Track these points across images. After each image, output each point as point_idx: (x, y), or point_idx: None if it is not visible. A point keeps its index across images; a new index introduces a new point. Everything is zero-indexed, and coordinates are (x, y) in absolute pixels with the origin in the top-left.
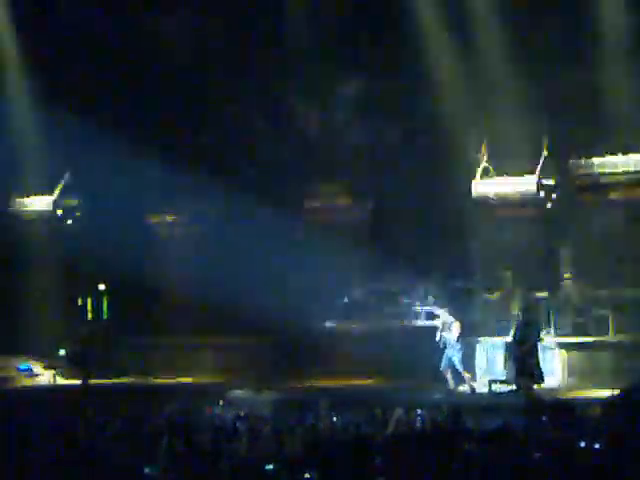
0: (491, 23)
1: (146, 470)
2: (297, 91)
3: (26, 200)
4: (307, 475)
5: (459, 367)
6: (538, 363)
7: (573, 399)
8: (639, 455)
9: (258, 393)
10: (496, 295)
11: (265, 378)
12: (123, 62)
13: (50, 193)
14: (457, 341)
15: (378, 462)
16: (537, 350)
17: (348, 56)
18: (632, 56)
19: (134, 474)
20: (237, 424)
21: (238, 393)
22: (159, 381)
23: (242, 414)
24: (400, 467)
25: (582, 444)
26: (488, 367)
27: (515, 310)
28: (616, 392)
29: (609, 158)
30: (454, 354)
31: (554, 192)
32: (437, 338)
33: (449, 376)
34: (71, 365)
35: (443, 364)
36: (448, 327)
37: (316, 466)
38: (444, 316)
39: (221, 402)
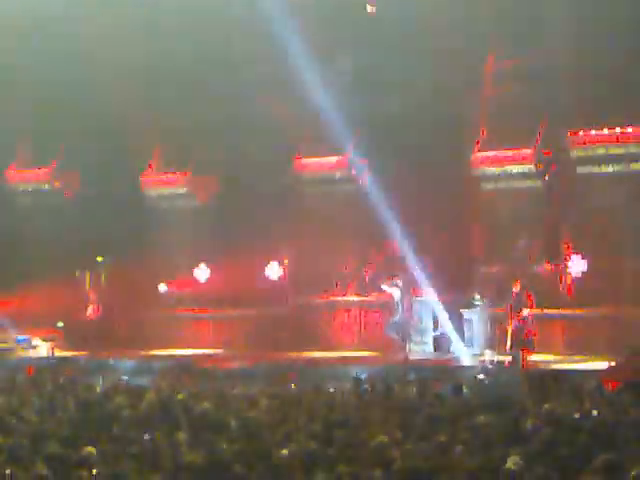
0: None
1: (145, 437)
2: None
3: (24, 172)
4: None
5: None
6: (529, 333)
7: (569, 370)
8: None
9: (256, 365)
10: (495, 267)
11: (264, 350)
12: None
13: (48, 165)
14: (396, 307)
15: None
16: (528, 320)
17: (348, 26)
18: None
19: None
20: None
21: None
22: (153, 353)
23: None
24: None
25: (577, 415)
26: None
27: (513, 282)
28: (612, 364)
29: (608, 130)
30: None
31: (553, 165)
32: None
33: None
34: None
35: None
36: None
37: (316, 436)
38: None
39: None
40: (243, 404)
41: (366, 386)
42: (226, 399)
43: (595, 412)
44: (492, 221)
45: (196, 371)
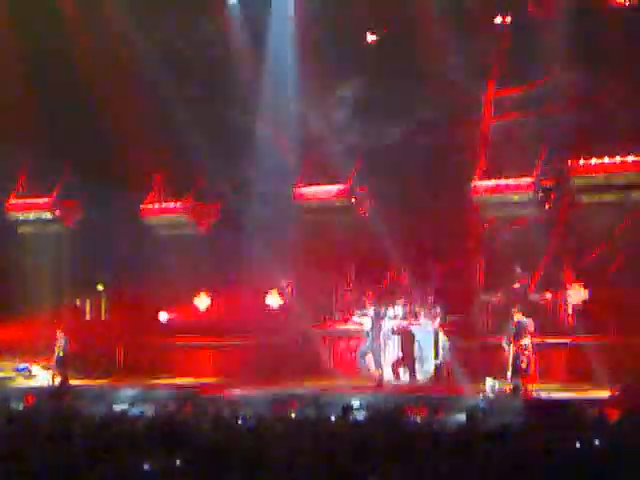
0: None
1: (145, 467)
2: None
3: (24, 201)
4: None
5: (363, 360)
6: (528, 362)
7: (571, 399)
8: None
9: (257, 391)
10: (496, 295)
11: (264, 378)
12: None
13: (49, 194)
14: (368, 335)
15: (377, 462)
16: (528, 349)
17: (348, 55)
18: (628, 54)
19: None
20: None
21: (237, 392)
22: (158, 381)
23: (242, 413)
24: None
25: (578, 445)
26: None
27: (513, 310)
28: (614, 393)
29: (608, 159)
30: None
31: (553, 193)
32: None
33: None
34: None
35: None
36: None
37: (319, 465)
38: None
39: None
40: (246, 434)
41: (363, 414)
42: (228, 428)
43: (597, 442)
44: (492, 249)
45: (197, 400)
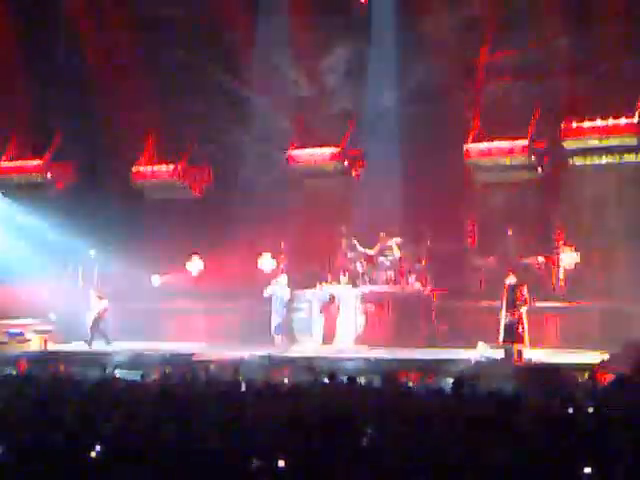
0: None
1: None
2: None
3: (16, 163)
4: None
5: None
6: (519, 326)
7: (562, 364)
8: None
9: (254, 356)
10: (488, 259)
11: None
12: None
13: (41, 156)
14: (284, 305)
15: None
16: (523, 314)
17: (340, 21)
18: (622, 17)
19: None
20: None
21: (229, 356)
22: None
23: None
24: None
25: (570, 410)
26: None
27: (506, 274)
28: (605, 357)
29: (601, 122)
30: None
31: (546, 156)
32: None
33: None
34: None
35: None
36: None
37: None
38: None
39: (212, 366)
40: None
41: (360, 380)
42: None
43: (588, 406)
44: (485, 213)
45: (191, 364)
